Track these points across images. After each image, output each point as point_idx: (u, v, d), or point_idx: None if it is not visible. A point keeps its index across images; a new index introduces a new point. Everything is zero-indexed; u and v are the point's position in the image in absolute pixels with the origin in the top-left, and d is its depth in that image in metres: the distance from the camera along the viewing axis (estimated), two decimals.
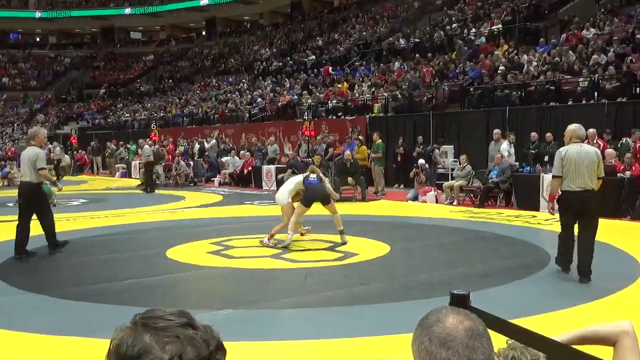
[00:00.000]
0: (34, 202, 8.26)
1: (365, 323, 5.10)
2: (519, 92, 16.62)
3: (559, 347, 1.39)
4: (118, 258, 8.18)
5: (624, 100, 14.24)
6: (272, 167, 18.73)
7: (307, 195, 8.81)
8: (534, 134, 14.41)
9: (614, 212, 10.92)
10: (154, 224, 11.55)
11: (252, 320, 5.23)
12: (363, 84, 22.99)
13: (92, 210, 13.76)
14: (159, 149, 21.77)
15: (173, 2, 47.01)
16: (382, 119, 19.81)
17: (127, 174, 25.58)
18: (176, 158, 21.95)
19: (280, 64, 32.26)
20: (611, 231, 8.95)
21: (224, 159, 21.75)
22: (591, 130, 12.15)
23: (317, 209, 9.14)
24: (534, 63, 17.53)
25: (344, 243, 8.77)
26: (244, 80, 33.03)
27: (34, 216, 8.33)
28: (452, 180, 14.66)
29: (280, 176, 16.62)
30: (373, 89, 21.87)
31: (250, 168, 19.81)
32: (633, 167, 11.65)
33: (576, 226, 6.66)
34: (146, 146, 20.26)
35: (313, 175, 9.05)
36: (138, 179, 22.13)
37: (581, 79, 15.57)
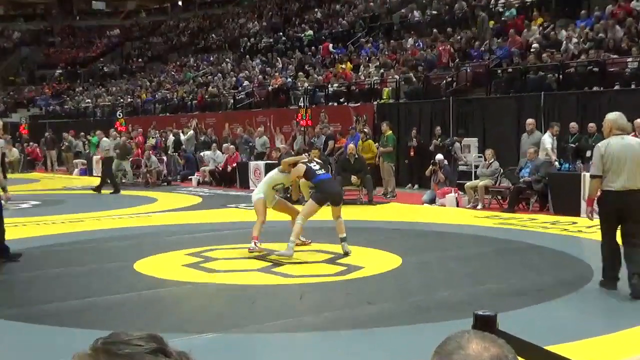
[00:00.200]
0: None
1: (372, 351, 5.09)
2: (556, 75, 16.62)
3: None
4: (77, 272, 8.16)
5: None
6: (261, 163, 18.72)
7: (323, 193, 8.83)
8: (573, 125, 14.41)
9: None
10: (119, 231, 11.51)
11: (236, 346, 5.22)
12: (370, 64, 22.98)
13: (45, 214, 13.72)
14: (126, 142, 21.74)
15: None
16: (392, 106, 19.79)
17: (88, 171, 25.56)
18: (146, 152, 21.93)
19: (271, 40, 32.22)
20: None
21: (203, 154, 21.73)
22: (638, 121, 12.15)
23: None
24: (574, 40, 17.53)
25: (347, 254, 8.77)
26: (227, 60, 32.99)
27: None
28: (475, 179, 14.67)
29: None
30: (382, 71, 21.86)
31: (234, 165, 19.80)
32: None
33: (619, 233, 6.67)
34: (105, 138, 20.26)
35: (317, 166, 9.07)
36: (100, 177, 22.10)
37: (630, 59, 15.56)
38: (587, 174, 11.56)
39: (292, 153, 17.76)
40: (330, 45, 27.35)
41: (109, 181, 18.82)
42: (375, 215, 13.32)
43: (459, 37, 21.69)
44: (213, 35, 39.34)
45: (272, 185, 9.32)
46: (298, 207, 9.74)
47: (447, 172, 15.27)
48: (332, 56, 26.60)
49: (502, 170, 14.33)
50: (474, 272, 7.93)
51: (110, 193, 18.27)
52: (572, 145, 14.15)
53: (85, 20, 51.41)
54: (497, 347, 1.13)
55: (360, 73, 22.82)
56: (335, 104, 21.92)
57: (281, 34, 32.42)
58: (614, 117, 6.77)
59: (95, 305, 6.53)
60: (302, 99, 20.61)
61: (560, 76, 16.57)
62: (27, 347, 5.29)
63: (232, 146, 20.54)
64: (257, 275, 7.81)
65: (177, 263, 8.47)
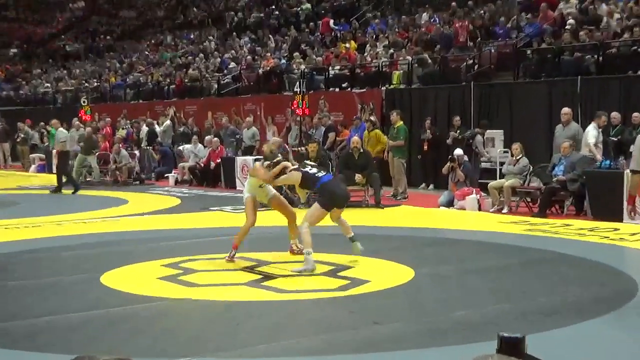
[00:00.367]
0: None
1: None
2: (595, 56, 16.64)
3: None
4: (33, 285, 8.15)
5: None
6: (250, 158, 18.72)
7: (329, 196, 8.84)
8: (615, 115, 14.44)
9: None
10: (83, 237, 11.51)
11: None
12: (378, 43, 22.99)
13: None
14: (91, 134, 21.74)
15: None
16: (403, 93, 19.81)
17: (47, 167, 25.55)
18: (115, 146, 21.94)
19: (262, 15, 32.22)
20: None
21: (182, 148, 21.73)
22: None
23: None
24: (616, 15, 17.55)
25: (361, 252, 8.90)
26: (211, 38, 32.99)
27: None
28: (501, 178, 14.69)
29: None
30: (391, 51, 21.88)
31: (219, 160, 19.81)
32: None
33: None
34: (61, 128, 20.24)
35: (314, 169, 9.09)
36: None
37: None
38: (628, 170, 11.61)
39: (287, 147, 17.74)
40: (331, 21, 27.36)
41: (64, 179, 18.78)
42: (383, 220, 13.31)
43: (481, 12, 21.70)
44: (194, 9, 39.34)
45: (260, 184, 9.34)
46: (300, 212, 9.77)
47: (467, 170, 15.28)
48: (333, 34, 26.61)
49: (531, 167, 14.34)
50: (498, 288, 7.93)
51: (72, 193, 18.27)
52: (614, 138, 14.16)
53: None
54: None
55: (366, 54, 22.83)
56: (337, 89, 21.93)
57: (273, 7, 32.43)
58: None
59: (55, 324, 6.52)
60: (297, 83, 20.59)
61: (600, 58, 16.58)
62: None
63: (215, 139, 20.54)
64: (244, 290, 7.81)
65: (151, 276, 8.47)
